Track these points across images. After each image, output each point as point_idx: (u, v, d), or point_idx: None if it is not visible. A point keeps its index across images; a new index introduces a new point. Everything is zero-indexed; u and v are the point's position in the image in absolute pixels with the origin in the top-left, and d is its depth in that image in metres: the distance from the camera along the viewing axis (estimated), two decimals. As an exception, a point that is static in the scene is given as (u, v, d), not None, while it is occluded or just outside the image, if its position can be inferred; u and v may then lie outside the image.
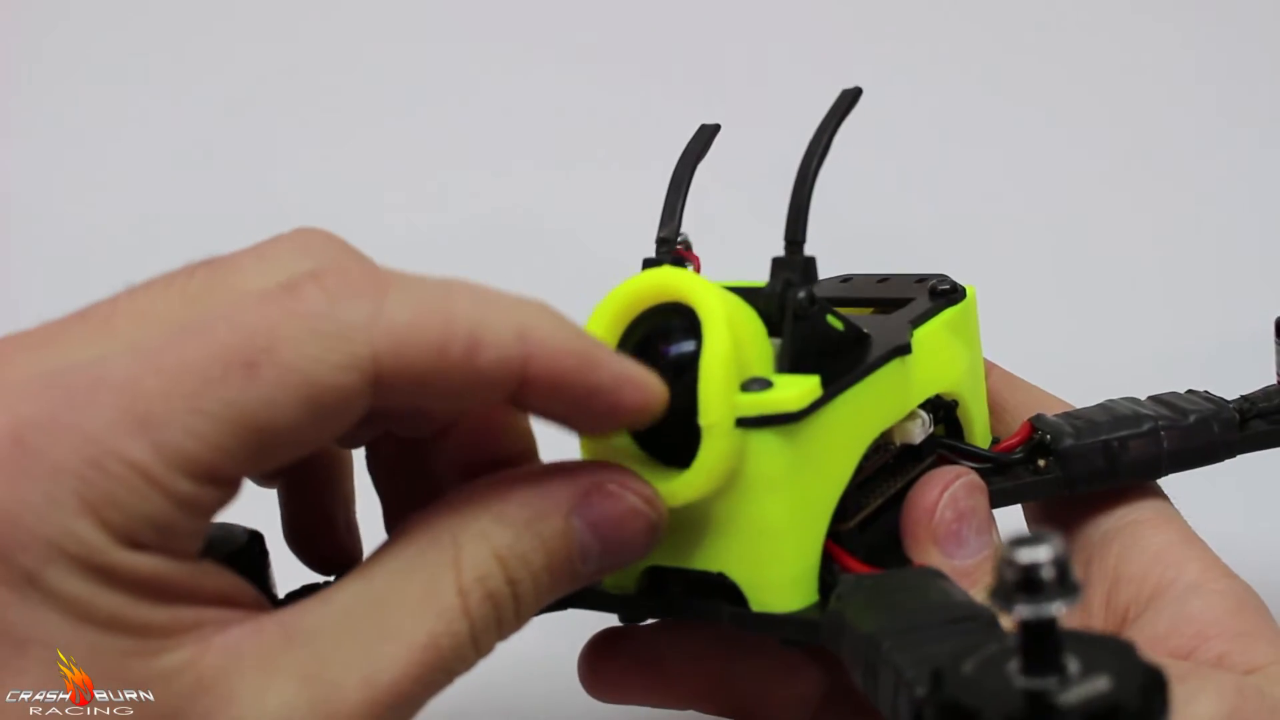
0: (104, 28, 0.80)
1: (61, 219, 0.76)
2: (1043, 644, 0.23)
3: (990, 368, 0.44)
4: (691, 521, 0.33)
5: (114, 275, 0.67)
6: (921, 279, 0.42)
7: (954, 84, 0.78)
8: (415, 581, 0.29)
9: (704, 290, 0.33)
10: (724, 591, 0.34)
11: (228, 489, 0.28)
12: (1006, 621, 0.25)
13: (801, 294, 0.34)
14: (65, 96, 0.80)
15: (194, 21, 0.80)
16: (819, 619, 0.33)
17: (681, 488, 0.32)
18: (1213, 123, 0.76)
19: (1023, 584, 0.23)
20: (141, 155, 0.78)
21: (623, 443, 0.34)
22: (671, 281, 0.33)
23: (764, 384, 0.32)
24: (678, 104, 0.77)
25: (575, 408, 0.30)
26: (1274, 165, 0.73)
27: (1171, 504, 0.40)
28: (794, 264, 0.34)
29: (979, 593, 0.36)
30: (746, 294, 0.34)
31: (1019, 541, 0.23)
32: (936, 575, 0.32)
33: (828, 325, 0.35)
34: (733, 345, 0.32)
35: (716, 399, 0.31)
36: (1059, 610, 0.23)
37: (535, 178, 0.76)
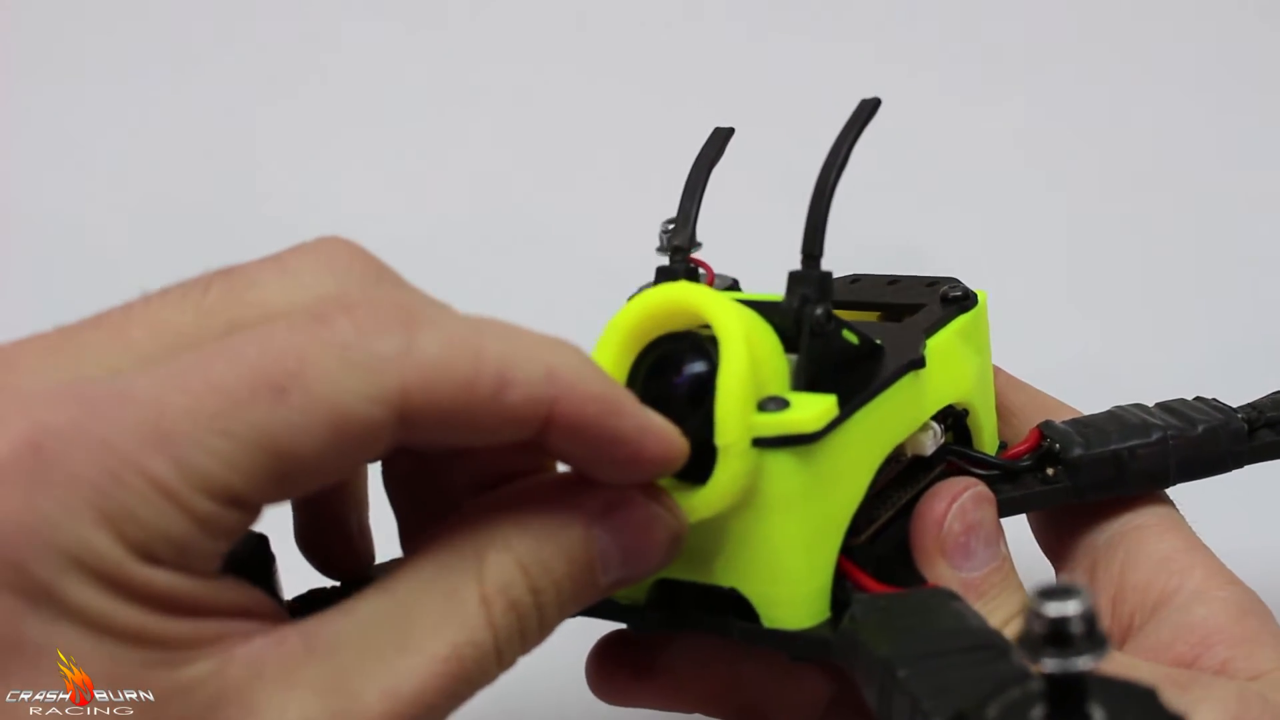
0: (91, 24, 0.79)
1: (56, 217, 0.75)
2: (1069, 695, 0.23)
3: (995, 372, 0.43)
4: (704, 536, 0.33)
5: (107, 272, 0.66)
6: (932, 282, 0.41)
7: (960, 84, 0.77)
8: (437, 592, 0.29)
9: (722, 308, 0.32)
10: (734, 605, 0.34)
11: (248, 513, 0.27)
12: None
13: (819, 311, 0.33)
14: (55, 94, 0.79)
15: (190, 17, 0.79)
16: (831, 637, 0.33)
17: (696, 504, 0.32)
18: (1222, 128, 0.75)
19: (1051, 637, 0.23)
20: (134, 150, 0.77)
21: None
22: (689, 298, 0.33)
23: (781, 404, 0.32)
24: (679, 99, 0.76)
25: (597, 453, 0.29)
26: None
27: (1176, 509, 0.39)
28: (811, 279, 0.34)
29: (986, 604, 0.36)
30: (762, 308, 0.34)
31: (1047, 593, 0.23)
32: (951, 597, 0.32)
33: (844, 341, 0.34)
34: (750, 364, 0.31)
35: (733, 419, 0.31)
36: (1086, 665, 0.23)
37: (536, 176, 0.75)
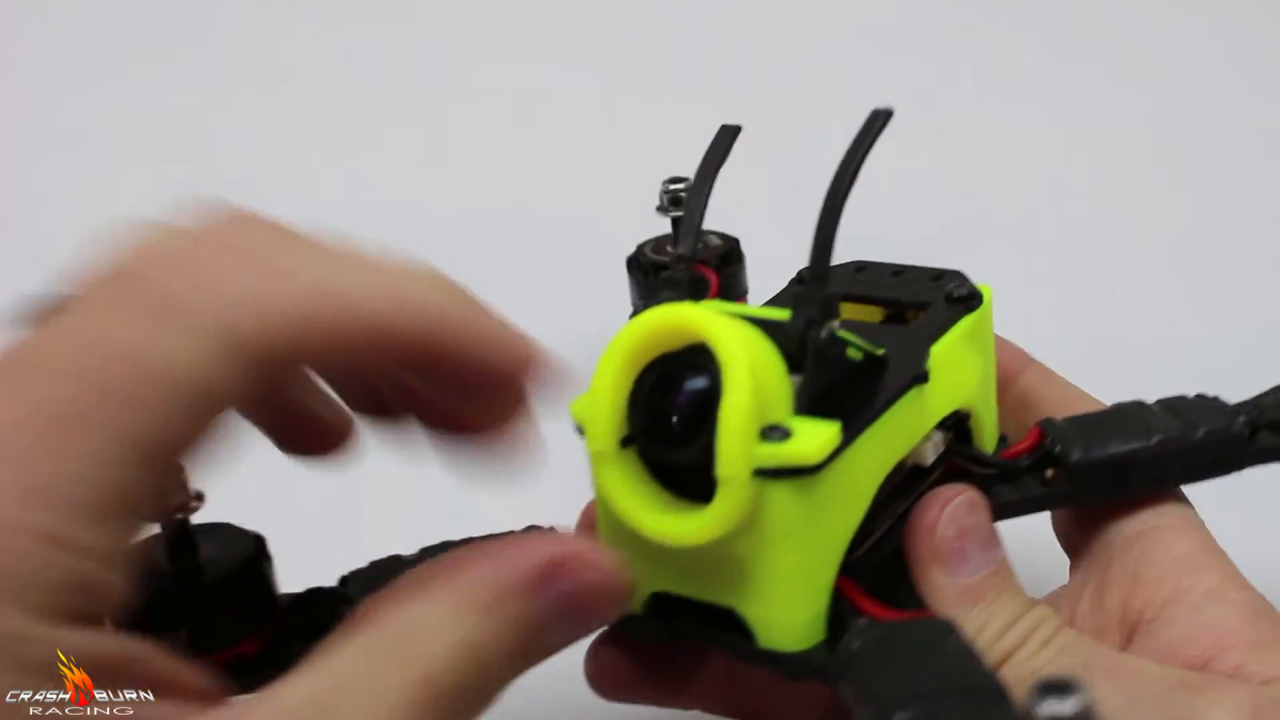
0: (81, 23, 0.77)
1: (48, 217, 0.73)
2: None
3: (1027, 364, 0.43)
4: (704, 554, 0.32)
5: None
6: (937, 275, 0.41)
7: (965, 74, 0.76)
8: (366, 679, 0.27)
9: (727, 334, 0.31)
10: (731, 621, 0.34)
11: (136, 514, 0.27)
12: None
13: (824, 334, 0.33)
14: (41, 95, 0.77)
15: (184, 15, 0.77)
16: (826, 661, 0.33)
17: (694, 529, 0.31)
18: (1229, 118, 0.74)
19: None
20: (133, 150, 0.75)
21: (638, 475, 0.33)
22: (692, 322, 0.32)
23: (783, 433, 0.31)
24: (675, 90, 0.75)
25: (461, 366, 0.30)
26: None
27: (1195, 511, 0.39)
28: (816, 300, 0.33)
29: (985, 609, 0.35)
30: (765, 326, 0.33)
31: (1047, 689, 0.23)
32: (948, 630, 0.32)
33: (847, 359, 0.34)
34: (753, 394, 0.31)
35: (734, 452, 0.30)
36: None
37: (531, 169, 0.73)
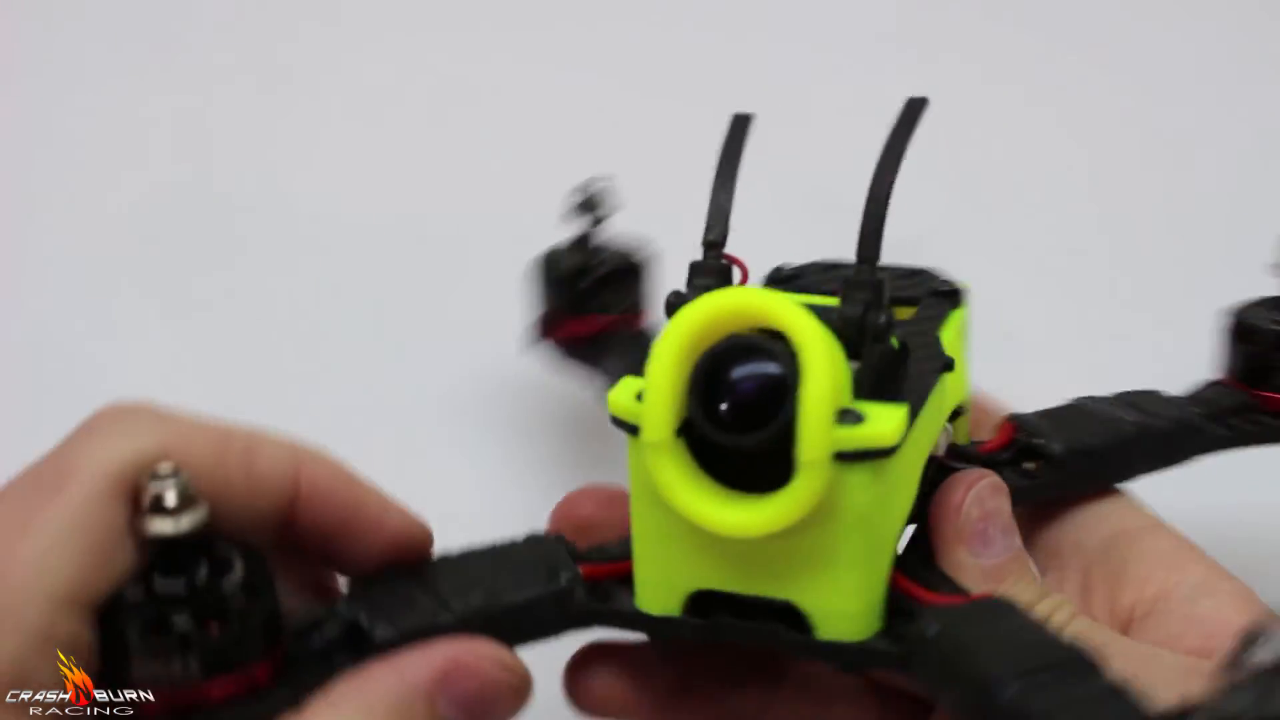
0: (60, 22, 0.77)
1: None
2: None
3: None
4: (759, 546, 0.32)
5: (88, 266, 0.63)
6: (911, 273, 0.41)
7: (965, 73, 0.76)
8: None
9: (802, 319, 0.30)
10: (777, 615, 0.33)
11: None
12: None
13: (882, 318, 0.32)
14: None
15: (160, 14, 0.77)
16: (891, 649, 0.32)
17: (765, 519, 0.31)
18: (1228, 118, 0.75)
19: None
20: (117, 146, 0.73)
21: (692, 466, 0.32)
22: (763, 307, 0.31)
23: (856, 417, 0.31)
24: (652, 88, 0.75)
25: (343, 521, 0.34)
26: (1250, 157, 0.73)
27: (1154, 513, 0.40)
28: (867, 285, 0.32)
29: (1006, 591, 0.35)
30: (819, 313, 0.32)
31: (1252, 638, 0.24)
32: (1010, 609, 0.32)
33: (891, 345, 0.34)
34: (833, 378, 0.30)
35: (819, 436, 0.30)
36: None
37: (525, 161, 0.72)
